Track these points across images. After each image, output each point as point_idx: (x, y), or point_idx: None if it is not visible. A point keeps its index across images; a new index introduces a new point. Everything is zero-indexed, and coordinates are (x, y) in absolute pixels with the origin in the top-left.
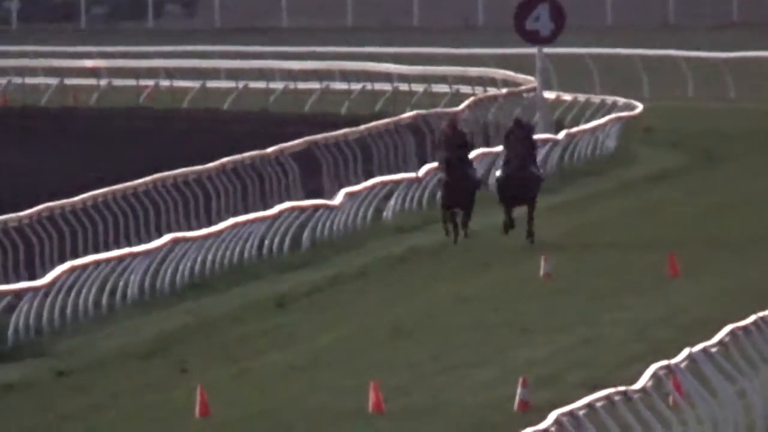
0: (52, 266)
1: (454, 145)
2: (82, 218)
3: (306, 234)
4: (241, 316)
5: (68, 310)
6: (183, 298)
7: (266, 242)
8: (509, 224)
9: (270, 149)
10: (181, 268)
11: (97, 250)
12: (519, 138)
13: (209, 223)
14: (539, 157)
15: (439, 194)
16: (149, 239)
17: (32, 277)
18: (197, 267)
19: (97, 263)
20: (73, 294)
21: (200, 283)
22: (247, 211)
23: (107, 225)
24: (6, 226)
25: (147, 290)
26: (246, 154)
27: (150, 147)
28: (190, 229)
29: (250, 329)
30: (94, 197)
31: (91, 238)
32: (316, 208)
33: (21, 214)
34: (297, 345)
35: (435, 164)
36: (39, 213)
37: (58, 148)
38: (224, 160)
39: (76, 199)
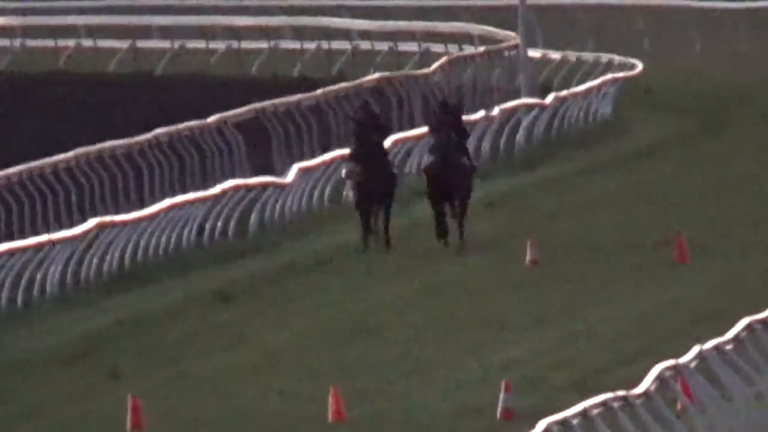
0: None
1: (369, 132)
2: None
3: (253, 217)
4: (179, 312)
5: None
6: (111, 292)
7: (207, 227)
8: (441, 228)
9: (211, 119)
10: (108, 257)
11: (11, 238)
12: (443, 122)
13: (141, 206)
14: (525, 122)
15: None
16: (71, 224)
17: None
18: (128, 256)
19: (11, 253)
20: None
21: (131, 274)
22: (185, 191)
23: (22, 209)
24: None
25: (69, 284)
26: (183, 125)
27: (71, 117)
28: (118, 212)
29: (189, 327)
30: (7, 177)
31: (3, 224)
32: (265, 186)
33: None
34: (244, 345)
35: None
36: None
37: None
38: (158, 131)
39: None
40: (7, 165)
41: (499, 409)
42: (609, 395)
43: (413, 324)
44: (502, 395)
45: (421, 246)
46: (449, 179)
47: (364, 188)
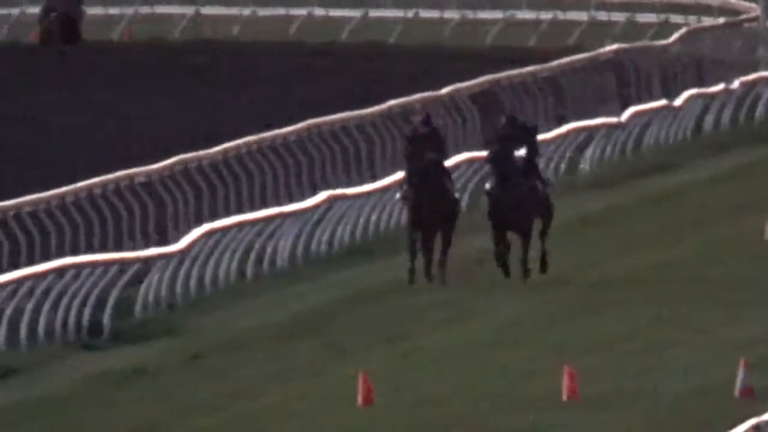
0: (188, 230)
1: (426, 147)
2: (223, 172)
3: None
4: (408, 287)
5: (206, 281)
6: (340, 267)
7: None
8: (501, 256)
9: (444, 90)
10: (339, 231)
11: (240, 211)
12: (509, 140)
13: (372, 178)
14: (766, 96)
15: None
16: (302, 197)
17: (164, 243)
18: (358, 230)
19: (241, 226)
20: (211, 262)
21: (361, 248)
22: None
23: (252, 180)
24: (133, 183)
25: (300, 257)
26: (416, 96)
27: (302, 88)
28: (349, 185)
29: (417, 302)
30: (236, 148)
31: (233, 196)
32: None
33: (150, 168)
34: (472, 320)
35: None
36: (171, 167)
37: (192, 90)
38: (390, 103)
39: (214, 150)
40: (236, 136)
41: (737, 388)
42: None
43: (643, 300)
44: (740, 373)
45: (653, 220)
46: (513, 206)
47: (416, 213)
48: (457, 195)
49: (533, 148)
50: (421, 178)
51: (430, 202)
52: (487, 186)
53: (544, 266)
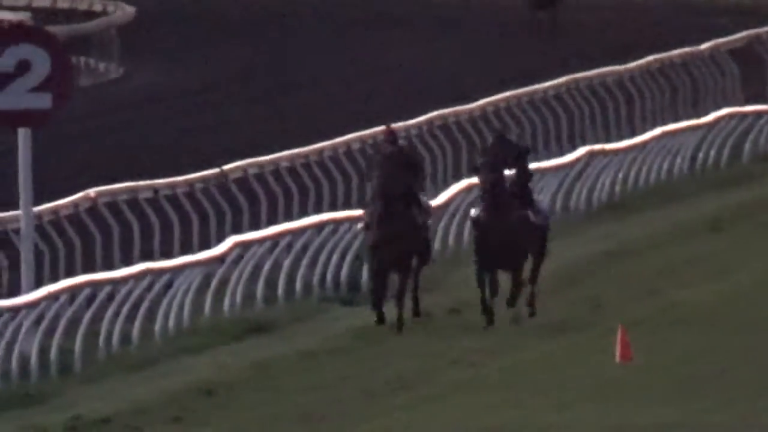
0: (445, 186)
1: (392, 169)
2: (481, 126)
3: (747, 146)
4: (666, 242)
5: (464, 237)
6: (599, 221)
7: (700, 155)
8: (485, 306)
9: (704, 45)
10: (598, 185)
11: None
12: (496, 161)
13: (632, 134)
14: None
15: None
16: (561, 152)
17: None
18: (617, 185)
19: None
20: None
21: (620, 203)
22: (676, 120)
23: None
24: None
25: (558, 212)
26: (675, 52)
27: (564, 43)
28: (608, 140)
29: (675, 257)
30: (494, 103)
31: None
32: (760, 114)
33: (409, 122)
34: (730, 275)
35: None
36: (430, 121)
37: (451, 43)
38: (649, 58)
39: (472, 105)
40: (495, 91)
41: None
42: None
43: None
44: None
45: None
46: (503, 237)
47: (377, 246)
48: (426, 223)
49: (526, 172)
50: (384, 205)
51: (393, 232)
52: (473, 212)
53: (532, 310)
